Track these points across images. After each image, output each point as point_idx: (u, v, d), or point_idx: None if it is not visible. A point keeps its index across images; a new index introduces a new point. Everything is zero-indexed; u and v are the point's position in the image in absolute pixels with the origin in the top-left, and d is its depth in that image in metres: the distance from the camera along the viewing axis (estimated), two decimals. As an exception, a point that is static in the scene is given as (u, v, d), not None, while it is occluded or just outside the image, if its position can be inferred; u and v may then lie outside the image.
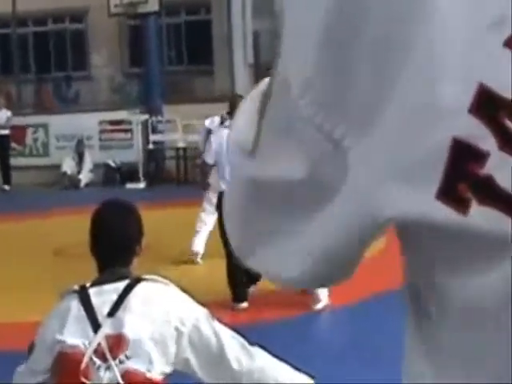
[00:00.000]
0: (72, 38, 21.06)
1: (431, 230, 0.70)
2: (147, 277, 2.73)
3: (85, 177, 16.85)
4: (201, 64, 19.33)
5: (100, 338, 2.61)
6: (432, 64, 0.66)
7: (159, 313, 2.63)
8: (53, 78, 20.56)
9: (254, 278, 7.84)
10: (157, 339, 2.60)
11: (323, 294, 7.43)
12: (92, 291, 2.70)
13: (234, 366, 2.64)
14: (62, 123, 17.58)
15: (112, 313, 2.64)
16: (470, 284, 0.70)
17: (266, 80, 0.79)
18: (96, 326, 2.63)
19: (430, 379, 0.78)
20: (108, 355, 2.59)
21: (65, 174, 16.85)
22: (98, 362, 2.60)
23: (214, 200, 8.11)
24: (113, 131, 17.25)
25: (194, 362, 2.64)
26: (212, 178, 8.42)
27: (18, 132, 17.44)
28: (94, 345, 2.61)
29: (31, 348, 2.77)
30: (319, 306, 7.41)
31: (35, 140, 17.79)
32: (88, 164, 16.91)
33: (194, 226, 9.07)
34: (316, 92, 0.72)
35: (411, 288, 0.81)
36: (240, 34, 17.78)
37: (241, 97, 8.56)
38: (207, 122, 10.23)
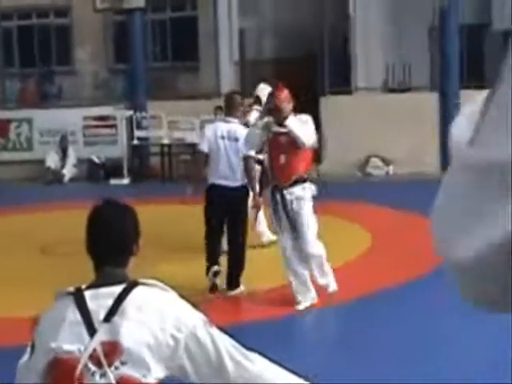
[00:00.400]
0: (57, 32, 20.98)
1: None
2: (144, 281, 2.70)
3: (68, 172, 16.82)
4: (186, 60, 19.32)
5: (95, 343, 2.59)
6: None
7: (155, 319, 2.61)
8: (37, 73, 20.48)
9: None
10: (152, 346, 2.59)
11: (307, 295, 7.49)
12: (88, 294, 2.67)
13: (232, 372, 2.62)
14: (45, 118, 17.53)
15: (108, 318, 2.61)
16: None
17: (487, 91, 0.88)
18: (92, 331, 2.61)
19: None
20: (103, 361, 2.58)
21: (48, 168, 16.82)
22: (92, 367, 2.59)
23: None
24: (97, 127, 17.22)
25: (189, 368, 2.63)
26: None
27: (2, 126, 17.38)
28: (90, 351, 2.59)
29: (33, 345, 2.75)
30: (300, 307, 7.45)
31: (19, 134, 17.73)
32: (72, 159, 16.88)
33: (176, 222, 9.09)
34: None
35: None
36: (226, 32, 17.79)
37: (237, 93, 8.64)
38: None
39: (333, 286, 7.67)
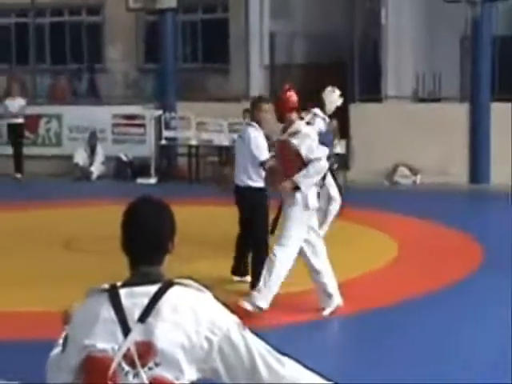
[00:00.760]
0: (88, 30, 21.12)
1: None
2: (179, 281, 2.68)
3: (96, 169, 16.91)
4: (216, 63, 19.38)
5: (130, 343, 2.58)
6: None
7: (190, 321, 2.59)
8: (68, 70, 20.62)
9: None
10: (186, 348, 2.58)
11: (329, 301, 7.46)
12: (123, 292, 2.65)
13: (265, 376, 2.61)
14: (75, 114, 17.63)
15: (143, 318, 2.59)
16: None
17: None
18: (126, 330, 2.59)
19: None
20: (137, 361, 2.56)
21: (77, 165, 16.91)
22: (126, 367, 2.58)
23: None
24: (126, 125, 17.30)
25: (222, 371, 2.62)
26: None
27: (32, 121, 17.50)
28: (124, 350, 2.58)
29: (66, 340, 2.74)
30: (324, 313, 7.45)
31: (48, 130, 17.85)
32: (100, 156, 16.97)
33: (203, 224, 9.10)
34: None
35: None
36: (257, 35, 17.81)
37: (262, 98, 8.62)
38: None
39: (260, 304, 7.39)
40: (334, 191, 9.91)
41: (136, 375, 2.57)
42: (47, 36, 21.18)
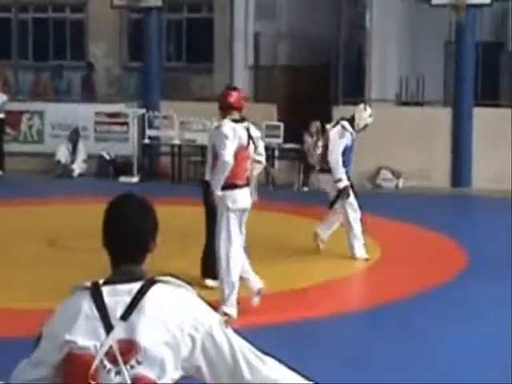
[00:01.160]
0: (72, 27, 21.02)
1: None
2: (162, 278, 2.67)
3: (78, 167, 16.82)
4: (200, 62, 19.34)
5: (112, 340, 2.56)
6: None
7: (173, 318, 2.58)
8: (50, 66, 20.51)
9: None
10: (169, 345, 2.56)
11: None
12: (105, 290, 2.63)
13: (246, 374, 2.61)
14: (57, 112, 17.53)
15: (125, 316, 2.58)
16: None
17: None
18: (108, 328, 2.57)
19: None
20: (119, 359, 2.54)
21: (59, 162, 16.82)
22: (108, 365, 2.56)
23: None
24: (109, 123, 17.22)
25: (205, 369, 2.61)
26: None
27: (14, 118, 17.38)
28: (106, 348, 2.56)
29: (38, 339, 2.70)
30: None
31: (30, 127, 17.73)
32: (82, 154, 16.88)
33: (184, 224, 9.07)
34: None
35: None
36: (241, 35, 17.79)
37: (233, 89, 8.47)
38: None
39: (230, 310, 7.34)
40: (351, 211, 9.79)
41: (118, 373, 2.55)
42: (30, 32, 21.06)
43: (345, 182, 9.62)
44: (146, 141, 16.65)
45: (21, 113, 17.63)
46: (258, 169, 7.99)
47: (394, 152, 15.57)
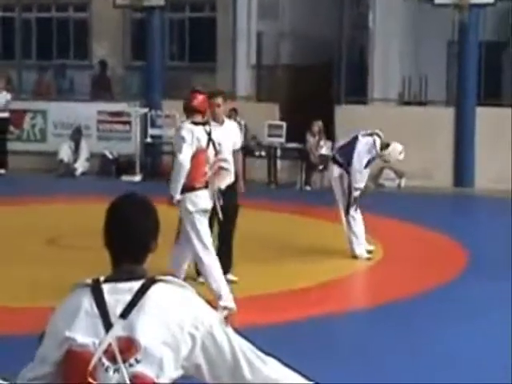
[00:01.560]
0: (75, 26, 21.04)
1: None
2: (162, 278, 2.67)
3: (81, 166, 16.84)
4: (203, 61, 19.35)
5: (111, 338, 2.56)
6: None
7: (173, 317, 2.58)
8: (53, 66, 20.53)
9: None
10: (169, 344, 2.56)
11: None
12: (106, 287, 2.63)
13: (247, 374, 2.61)
14: (60, 110, 17.55)
15: (125, 314, 2.57)
16: None
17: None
18: (108, 326, 2.57)
19: None
20: (118, 357, 2.54)
21: (61, 161, 16.84)
22: (106, 363, 2.55)
23: None
24: (111, 122, 17.24)
25: (205, 368, 2.60)
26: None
27: (17, 116, 17.41)
28: (105, 345, 2.55)
29: (42, 337, 2.71)
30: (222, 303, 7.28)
31: (33, 126, 17.76)
32: (84, 153, 16.89)
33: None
34: None
35: None
36: (244, 35, 17.79)
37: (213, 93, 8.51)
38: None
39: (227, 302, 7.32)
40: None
41: (116, 371, 2.55)
42: (34, 31, 21.07)
43: (358, 192, 9.71)
44: (149, 140, 16.65)
45: (24, 112, 17.66)
46: (224, 178, 7.78)
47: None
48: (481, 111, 15.34)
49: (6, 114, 16.89)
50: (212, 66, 18.56)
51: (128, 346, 2.55)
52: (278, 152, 16.22)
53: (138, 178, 16.25)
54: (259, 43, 17.72)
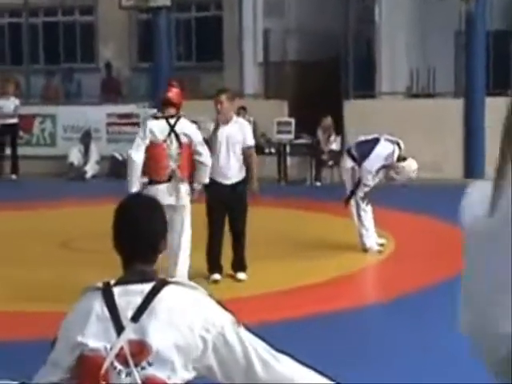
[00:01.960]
0: (81, 30, 21.08)
1: None
2: (173, 280, 2.69)
3: (91, 168, 16.87)
4: (210, 60, 19.35)
5: (123, 342, 2.56)
6: None
7: (184, 320, 2.58)
8: (61, 69, 20.58)
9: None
10: (180, 347, 2.56)
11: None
12: (116, 290, 2.64)
13: (260, 373, 2.60)
14: (69, 114, 17.61)
15: (136, 317, 2.58)
16: None
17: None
18: (119, 329, 2.58)
19: None
20: (130, 361, 2.55)
21: (71, 164, 16.88)
22: (118, 366, 2.56)
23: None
24: (120, 124, 17.27)
25: (217, 369, 2.60)
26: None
27: (26, 121, 17.46)
28: (117, 349, 2.56)
29: (54, 342, 2.72)
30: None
31: (43, 130, 17.82)
32: (94, 156, 16.92)
33: (195, 222, 9.08)
34: None
35: None
36: (250, 32, 17.79)
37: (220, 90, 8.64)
38: None
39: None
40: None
41: (129, 374, 2.55)
42: (41, 36, 21.12)
43: (367, 189, 9.68)
44: (158, 140, 16.65)
45: (33, 116, 17.72)
46: (199, 171, 7.86)
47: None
48: (490, 101, 15.27)
49: (14, 120, 16.94)
50: (219, 64, 18.56)
51: (140, 350, 2.56)
52: (288, 149, 16.21)
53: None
54: (266, 40, 17.71)
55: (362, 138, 10.18)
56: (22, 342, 6.79)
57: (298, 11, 18.42)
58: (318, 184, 15.60)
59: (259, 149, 15.87)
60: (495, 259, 0.86)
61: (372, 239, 9.67)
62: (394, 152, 9.76)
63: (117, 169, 16.77)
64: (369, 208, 9.75)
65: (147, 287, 2.62)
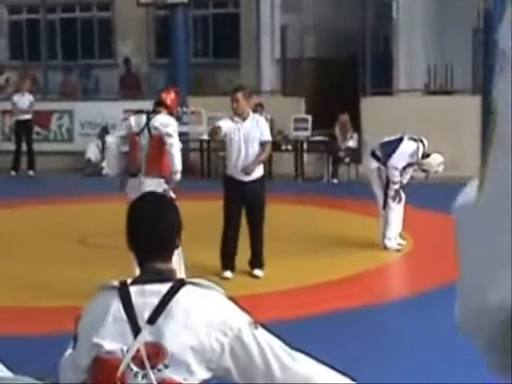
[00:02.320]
0: (99, 26, 21.13)
1: None
2: (191, 280, 2.66)
3: (108, 165, 16.90)
4: (227, 57, 19.35)
5: (139, 344, 2.55)
6: None
7: (201, 322, 2.57)
8: (79, 66, 20.64)
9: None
10: (197, 350, 2.55)
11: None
12: (133, 290, 2.62)
13: (278, 373, 2.59)
14: (87, 110, 17.66)
15: (153, 320, 2.57)
16: None
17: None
18: (136, 330, 2.57)
19: None
20: (146, 363, 2.54)
21: (89, 161, 16.93)
22: (135, 368, 2.56)
23: None
24: (138, 120, 17.29)
25: (234, 371, 2.59)
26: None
27: (44, 117, 17.53)
28: (134, 351, 2.55)
29: (76, 338, 2.72)
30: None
31: (60, 126, 17.88)
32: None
33: (214, 219, 9.09)
34: None
35: None
36: (268, 29, 17.77)
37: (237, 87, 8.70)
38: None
39: None
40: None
41: (145, 376, 2.55)
42: (58, 32, 21.19)
43: (398, 186, 9.68)
44: (175, 137, 16.67)
45: (50, 112, 17.77)
46: (171, 160, 7.92)
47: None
48: (508, 99, 15.20)
49: (29, 116, 16.99)
50: (236, 61, 18.56)
51: (156, 352, 2.55)
52: (305, 145, 16.19)
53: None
54: (283, 37, 17.69)
55: (386, 138, 10.17)
56: (38, 337, 6.83)
57: (315, 8, 18.39)
58: (335, 181, 15.58)
59: (276, 146, 15.86)
60: (480, 240, 0.91)
61: (393, 241, 9.65)
62: (418, 149, 9.77)
63: (134, 165, 16.83)
64: (398, 208, 9.72)
65: (164, 288, 2.60)
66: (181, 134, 16.53)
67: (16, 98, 16.95)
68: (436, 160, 9.93)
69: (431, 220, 11.57)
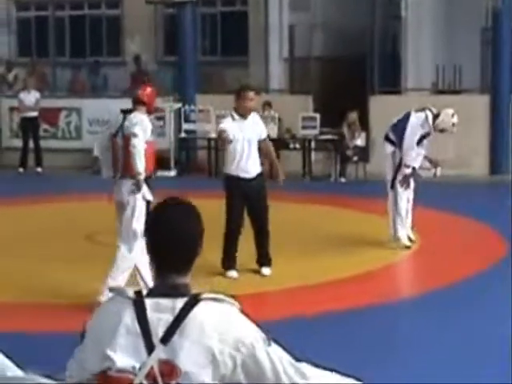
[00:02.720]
0: (107, 23, 21.16)
1: None
2: (206, 296, 2.60)
3: (116, 162, 16.93)
4: (235, 55, 19.36)
5: (153, 362, 2.52)
6: None
7: (215, 340, 2.54)
8: (87, 63, 20.68)
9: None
10: (210, 367, 2.53)
11: None
12: (148, 303, 2.57)
13: None
14: (95, 107, 17.67)
15: (167, 338, 2.53)
16: None
17: None
18: (150, 347, 2.53)
19: None
20: (160, 381, 2.51)
21: (96, 158, 16.93)
22: None
23: None
24: (146, 118, 17.31)
25: (244, 382, 2.56)
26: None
27: (52, 114, 17.56)
28: (147, 369, 2.52)
29: (83, 337, 2.68)
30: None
31: (68, 123, 17.91)
32: (119, 150, 16.98)
33: (221, 217, 9.10)
34: None
35: None
36: (276, 27, 17.78)
37: (246, 87, 8.73)
38: None
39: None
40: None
41: None
42: (67, 29, 21.23)
43: (409, 170, 9.65)
44: (183, 135, 16.71)
45: (59, 109, 17.81)
46: (133, 159, 7.63)
47: (432, 140, 15.43)
48: (516, 97, 15.19)
49: (35, 113, 17.02)
50: (244, 59, 18.57)
51: (170, 370, 2.52)
52: (313, 144, 16.19)
53: (172, 172, 16.32)
54: (291, 36, 17.69)
55: (395, 120, 10.21)
56: (46, 334, 6.85)
57: (323, 6, 18.38)
58: (343, 180, 15.58)
59: (284, 144, 15.88)
60: None
61: (404, 230, 9.63)
62: (427, 117, 9.77)
63: (142, 162, 16.85)
64: (406, 196, 9.70)
65: (179, 304, 2.56)
66: (189, 132, 16.76)
67: (22, 95, 17.00)
68: (448, 114, 9.93)
69: (439, 219, 11.56)
